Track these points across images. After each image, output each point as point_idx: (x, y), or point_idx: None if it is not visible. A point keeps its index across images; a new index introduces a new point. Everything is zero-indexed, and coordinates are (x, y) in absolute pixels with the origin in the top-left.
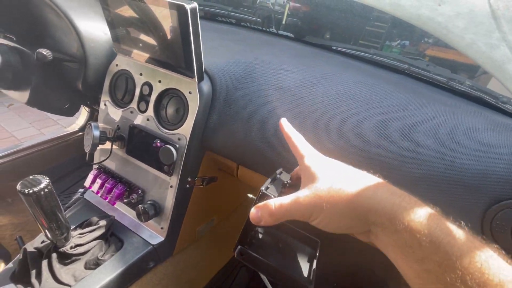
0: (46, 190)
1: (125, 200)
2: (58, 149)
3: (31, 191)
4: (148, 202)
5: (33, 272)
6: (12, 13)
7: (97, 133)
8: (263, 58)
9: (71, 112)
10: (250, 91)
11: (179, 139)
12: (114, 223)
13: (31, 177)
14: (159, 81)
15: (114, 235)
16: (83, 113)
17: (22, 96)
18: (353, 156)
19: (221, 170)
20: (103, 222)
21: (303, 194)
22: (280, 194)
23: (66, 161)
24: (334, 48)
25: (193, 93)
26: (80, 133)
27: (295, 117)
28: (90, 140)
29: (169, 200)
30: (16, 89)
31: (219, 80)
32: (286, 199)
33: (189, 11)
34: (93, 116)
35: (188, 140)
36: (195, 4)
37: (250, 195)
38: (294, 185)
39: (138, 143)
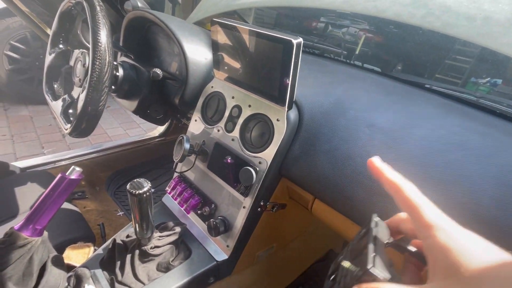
0: (148, 193)
1: (198, 211)
2: (139, 151)
3: (137, 192)
4: (219, 217)
5: (118, 263)
6: (135, 38)
7: (187, 146)
8: (353, 93)
9: (162, 122)
10: (338, 125)
11: (260, 162)
12: (185, 231)
13: (137, 180)
14: (249, 106)
15: (183, 243)
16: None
17: (131, 105)
18: (460, 216)
19: (292, 199)
20: (178, 229)
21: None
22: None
23: (142, 162)
24: (428, 86)
25: (280, 120)
26: (158, 140)
27: (387, 160)
28: (180, 151)
29: (239, 220)
30: (128, 99)
31: (307, 111)
32: None
33: (295, 45)
34: (170, 127)
35: (268, 165)
36: (300, 40)
37: (347, 264)
38: (397, 246)
39: (220, 160)
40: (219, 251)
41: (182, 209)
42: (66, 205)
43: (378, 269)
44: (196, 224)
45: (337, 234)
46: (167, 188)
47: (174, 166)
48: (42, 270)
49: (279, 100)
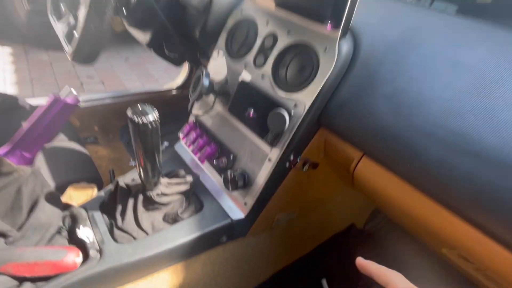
0: (154, 124)
1: (214, 162)
2: (155, 102)
3: (140, 122)
4: (238, 170)
5: (119, 207)
6: None
7: (206, 82)
8: (429, 24)
9: (178, 62)
10: (407, 62)
11: (295, 105)
12: (198, 182)
13: (140, 104)
14: (288, 32)
15: (195, 195)
16: (182, 74)
17: (144, 37)
18: None
19: (328, 157)
20: (189, 178)
21: None
22: None
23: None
24: None
25: (329, 50)
26: (175, 91)
27: (480, 110)
28: (197, 88)
29: (262, 175)
30: (141, 29)
31: (366, 42)
32: None
33: None
34: (189, 78)
35: (306, 109)
36: None
37: None
38: None
39: (244, 102)
40: (234, 208)
41: (196, 157)
42: (76, 147)
43: None
44: (211, 176)
45: (362, 207)
46: (180, 133)
47: (189, 107)
48: (35, 206)
49: (333, 20)
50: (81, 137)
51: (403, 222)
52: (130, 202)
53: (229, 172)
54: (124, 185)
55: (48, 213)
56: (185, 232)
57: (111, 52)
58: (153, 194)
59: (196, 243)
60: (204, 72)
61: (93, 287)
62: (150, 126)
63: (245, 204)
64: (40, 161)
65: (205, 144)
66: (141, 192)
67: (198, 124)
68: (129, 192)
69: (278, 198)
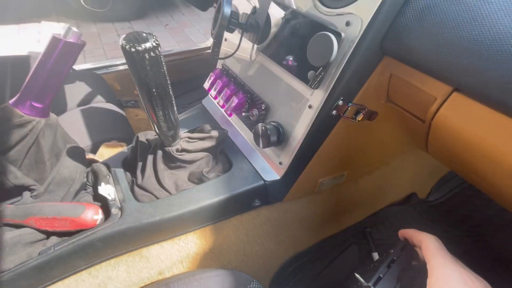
0: (153, 53)
1: (243, 114)
2: (191, 63)
3: (134, 50)
4: (272, 123)
5: (139, 165)
6: None
7: (228, 10)
8: None
9: (204, 6)
10: None
11: (347, 23)
12: (226, 139)
13: (135, 31)
14: None
15: (223, 153)
16: None
17: None
18: None
19: (393, 102)
20: (215, 133)
21: None
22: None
23: (194, 75)
24: None
25: None
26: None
27: None
28: (217, 20)
29: (300, 128)
30: None
31: None
32: None
33: None
34: None
35: (364, 28)
36: None
37: (357, 274)
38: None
39: (277, 34)
40: (268, 169)
41: (223, 110)
42: (114, 109)
43: (377, 287)
44: (241, 132)
45: (427, 174)
46: (205, 84)
47: (211, 49)
48: (58, 161)
49: None
50: (122, 100)
51: (492, 183)
52: (149, 158)
53: (260, 125)
54: (144, 140)
55: (71, 169)
56: (211, 194)
57: (151, 19)
58: (172, 149)
59: (225, 206)
60: (224, 0)
61: (115, 246)
62: (147, 56)
63: (280, 164)
64: (76, 120)
65: (232, 94)
66: (159, 147)
67: (225, 72)
68: (150, 147)
69: (322, 157)
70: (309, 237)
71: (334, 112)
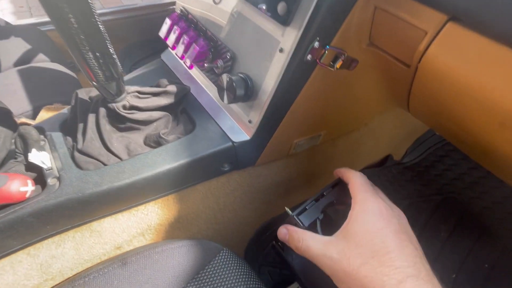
0: None
1: (205, 65)
2: (154, 20)
3: None
4: (239, 74)
5: (80, 126)
6: None
7: None
8: None
9: None
10: None
11: None
12: (189, 97)
13: None
14: None
15: (185, 113)
16: None
17: None
18: None
19: (373, 46)
20: (172, 88)
21: (334, 254)
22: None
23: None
24: None
25: None
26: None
27: None
28: None
29: (271, 77)
30: None
31: None
32: (315, 247)
33: None
34: None
35: None
36: None
37: (287, 208)
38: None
39: None
40: (236, 128)
41: (183, 62)
42: (61, 69)
43: (300, 217)
44: (205, 89)
45: (403, 135)
46: (160, 31)
47: None
48: None
49: None
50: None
51: (477, 136)
52: (90, 118)
53: (224, 76)
54: (86, 98)
55: None
56: (171, 158)
57: None
58: (117, 106)
59: (188, 171)
60: None
61: (55, 221)
62: None
63: (250, 122)
64: (12, 82)
65: (192, 41)
66: (101, 105)
67: (183, 16)
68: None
69: (296, 114)
70: (284, 202)
71: (309, 56)
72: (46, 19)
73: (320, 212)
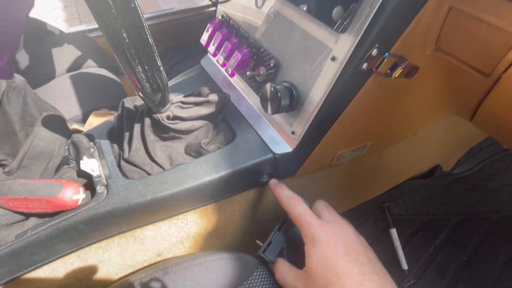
0: None
1: (248, 73)
2: (193, 22)
3: None
4: (283, 83)
5: (126, 135)
6: None
7: None
8: None
9: None
10: None
11: None
12: (229, 105)
13: None
14: None
15: (225, 122)
16: None
17: None
18: None
19: (440, 51)
20: (214, 97)
21: (301, 287)
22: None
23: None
24: None
25: None
26: (213, 8)
27: None
28: None
29: (319, 87)
30: None
31: None
32: (289, 279)
33: None
34: None
35: None
36: None
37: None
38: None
39: None
40: (278, 139)
41: (223, 70)
42: (107, 74)
43: (265, 253)
44: (245, 97)
45: (454, 146)
46: (201, 38)
47: None
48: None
49: None
50: (118, 66)
51: None
52: (136, 128)
53: (268, 86)
54: (131, 107)
55: (48, 141)
56: (211, 169)
57: None
58: (161, 116)
59: (228, 183)
60: None
61: (102, 228)
62: None
63: (293, 133)
64: (65, 88)
65: (234, 49)
66: (147, 115)
67: (225, 22)
68: (136, 115)
69: (343, 125)
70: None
71: (364, 65)
72: (94, 26)
73: (284, 241)
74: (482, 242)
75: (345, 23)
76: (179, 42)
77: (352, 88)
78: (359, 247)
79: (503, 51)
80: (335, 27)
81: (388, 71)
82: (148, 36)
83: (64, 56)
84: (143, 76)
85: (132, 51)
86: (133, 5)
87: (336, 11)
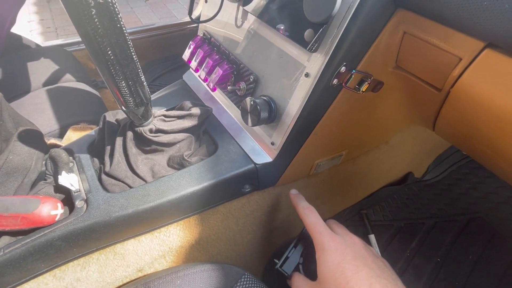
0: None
1: (229, 88)
2: (173, 38)
3: None
4: (262, 97)
5: (107, 149)
6: None
7: None
8: None
9: None
10: None
11: None
12: (210, 118)
13: None
14: None
15: (207, 134)
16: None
17: None
18: None
19: (403, 68)
20: (196, 111)
21: None
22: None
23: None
24: None
25: None
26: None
27: None
28: None
29: (295, 101)
30: None
31: None
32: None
33: None
34: None
35: None
36: None
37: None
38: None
39: None
40: (259, 150)
41: (205, 84)
42: (86, 88)
43: (283, 267)
44: (227, 110)
45: (423, 153)
46: (184, 54)
47: (188, 11)
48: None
49: None
50: (98, 80)
51: None
52: (118, 141)
53: (248, 100)
54: (113, 120)
55: (23, 156)
56: (194, 180)
57: None
58: (144, 130)
59: (210, 193)
60: None
61: (82, 244)
62: (93, 2)
63: (272, 144)
64: (41, 102)
65: (215, 65)
66: (129, 128)
67: (206, 40)
68: (118, 129)
69: (319, 136)
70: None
71: (335, 81)
72: (72, 40)
73: (300, 256)
74: (453, 243)
75: (316, 44)
76: (161, 56)
77: (325, 101)
78: (368, 255)
79: (449, 69)
80: (308, 47)
81: (356, 86)
82: (132, 53)
83: (40, 70)
84: (127, 91)
85: (117, 67)
86: (118, 25)
87: (308, 33)
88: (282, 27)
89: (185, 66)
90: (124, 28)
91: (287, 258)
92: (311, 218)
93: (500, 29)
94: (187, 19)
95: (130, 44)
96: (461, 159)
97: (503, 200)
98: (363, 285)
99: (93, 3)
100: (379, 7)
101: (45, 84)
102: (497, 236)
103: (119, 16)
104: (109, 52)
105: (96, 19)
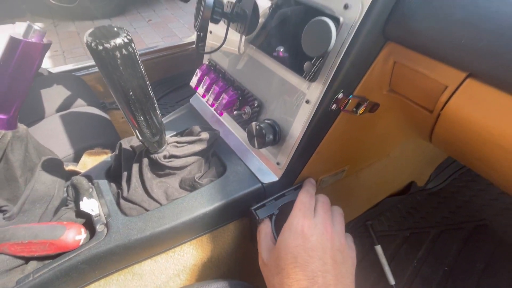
0: (125, 51)
1: (234, 112)
2: (176, 58)
3: (101, 48)
4: (266, 121)
5: (124, 174)
6: None
7: (211, 0)
8: None
9: None
10: None
11: (346, 6)
12: (218, 141)
13: (103, 26)
14: None
15: (216, 156)
16: None
17: None
18: None
19: (397, 92)
20: (205, 135)
21: (267, 258)
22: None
23: (181, 72)
24: None
25: None
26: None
27: None
28: (200, 11)
29: (298, 124)
30: None
31: None
32: (263, 246)
33: None
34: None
35: (365, 11)
36: None
37: None
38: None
39: (267, 22)
40: (265, 170)
41: (213, 109)
42: (97, 112)
43: (257, 211)
44: (233, 132)
45: (425, 163)
46: (191, 81)
47: (195, 43)
48: (31, 176)
49: None
50: (106, 102)
51: (502, 172)
52: (135, 167)
53: (253, 124)
54: (128, 147)
55: (48, 184)
56: (205, 201)
57: (133, 15)
58: (159, 156)
59: (221, 213)
60: None
61: (103, 266)
62: (119, 54)
63: (278, 164)
64: (55, 127)
65: (222, 91)
66: (145, 156)
67: (212, 67)
68: (134, 155)
69: (322, 154)
70: None
71: (333, 106)
72: (80, 65)
73: (277, 209)
74: (460, 251)
75: (314, 74)
76: (164, 76)
77: (325, 124)
78: (330, 247)
79: (438, 94)
80: (307, 77)
81: (354, 109)
82: (150, 92)
83: (53, 96)
84: (144, 124)
85: (137, 105)
86: (139, 70)
87: (306, 65)
88: (282, 57)
89: (187, 85)
90: (143, 72)
91: (264, 204)
92: (303, 195)
93: (476, 63)
94: (189, 39)
95: (148, 84)
96: (462, 166)
97: (506, 206)
98: (307, 275)
99: (119, 54)
100: (370, 41)
101: (58, 110)
102: (503, 242)
103: (139, 62)
104: (130, 94)
105: (121, 68)
